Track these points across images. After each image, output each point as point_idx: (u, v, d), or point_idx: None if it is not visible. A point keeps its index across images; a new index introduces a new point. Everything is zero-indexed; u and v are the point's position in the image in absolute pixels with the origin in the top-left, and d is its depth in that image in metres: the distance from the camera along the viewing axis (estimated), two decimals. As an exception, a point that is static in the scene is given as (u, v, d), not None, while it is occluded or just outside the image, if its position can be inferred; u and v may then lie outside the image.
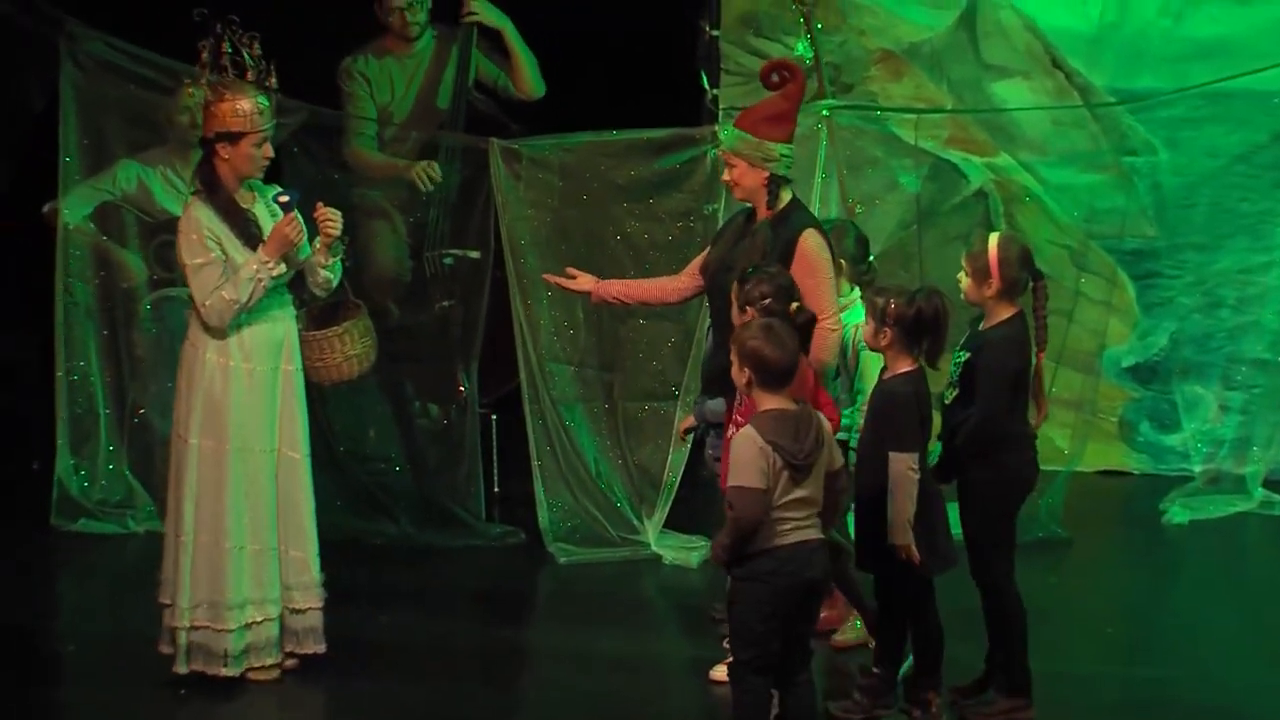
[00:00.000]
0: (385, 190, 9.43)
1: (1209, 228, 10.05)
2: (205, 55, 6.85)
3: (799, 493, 5.97)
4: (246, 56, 6.86)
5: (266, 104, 6.88)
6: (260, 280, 6.87)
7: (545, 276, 7.68)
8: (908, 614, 6.72)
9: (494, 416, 9.53)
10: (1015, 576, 6.75)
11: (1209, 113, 9.89)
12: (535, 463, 8.75)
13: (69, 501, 9.03)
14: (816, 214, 8.76)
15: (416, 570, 8.52)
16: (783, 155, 6.95)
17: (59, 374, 9.07)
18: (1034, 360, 6.72)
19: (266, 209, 7.02)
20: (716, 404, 6.87)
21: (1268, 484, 9.59)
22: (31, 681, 7.29)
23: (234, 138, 6.86)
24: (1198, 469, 9.80)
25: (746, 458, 5.93)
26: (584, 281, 7.37)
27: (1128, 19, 10.05)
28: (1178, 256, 10.09)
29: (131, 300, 9.18)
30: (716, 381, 6.94)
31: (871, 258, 7.70)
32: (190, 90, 9.01)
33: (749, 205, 7.06)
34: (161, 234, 9.22)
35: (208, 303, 6.87)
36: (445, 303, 9.23)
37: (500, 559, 8.77)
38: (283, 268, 6.93)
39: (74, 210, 9.07)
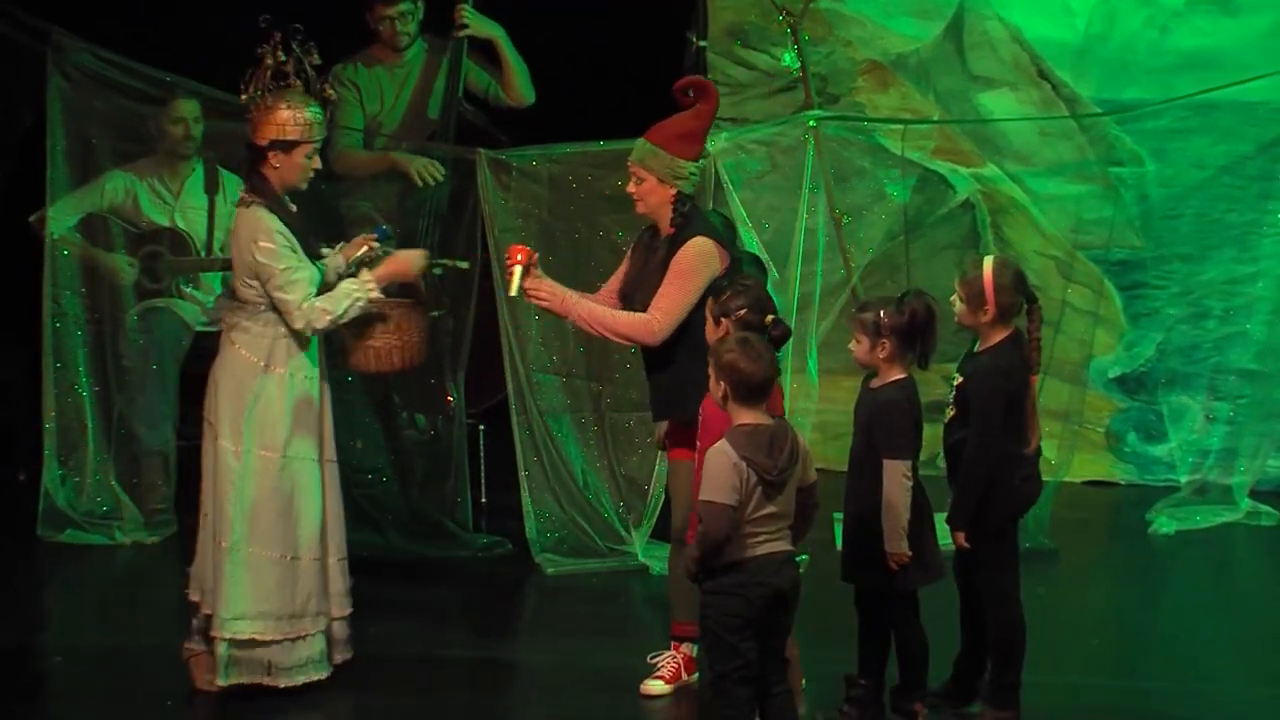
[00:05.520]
0: (374, 201, 9.43)
1: (1195, 239, 10.07)
2: (268, 61, 6.81)
3: (771, 508, 5.97)
4: (307, 66, 6.85)
5: (321, 116, 6.87)
6: (358, 300, 6.87)
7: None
8: (892, 625, 6.72)
9: (481, 427, 9.54)
10: (1020, 592, 6.76)
11: (1195, 124, 9.91)
12: (522, 473, 8.75)
13: (55, 512, 9.02)
14: (803, 225, 8.82)
15: (403, 581, 8.52)
16: (691, 174, 6.96)
17: (46, 384, 9.06)
18: (1028, 383, 6.71)
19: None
20: None
21: (1254, 495, 9.60)
22: (18, 694, 7.27)
23: (288, 146, 6.82)
24: (1184, 480, 9.81)
25: (719, 473, 5.92)
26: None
27: (1114, 30, 10.07)
28: (1164, 267, 10.11)
29: (119, 311, 9.18)
30: (660, 408, 7.02)
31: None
32: (181, 101, 9.09)
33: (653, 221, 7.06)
34: (148, 244, 9.24)
35: (304, 305, 6.81)
36: (433, 313, 9.23)
37: (487, 570, 8.77)
38: (379, 294, 6.93)
39: (60, 220, 9.08)
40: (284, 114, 6.81)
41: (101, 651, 7.66)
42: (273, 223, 6.82)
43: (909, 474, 6.54)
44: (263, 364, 6.88)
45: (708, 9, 10.09)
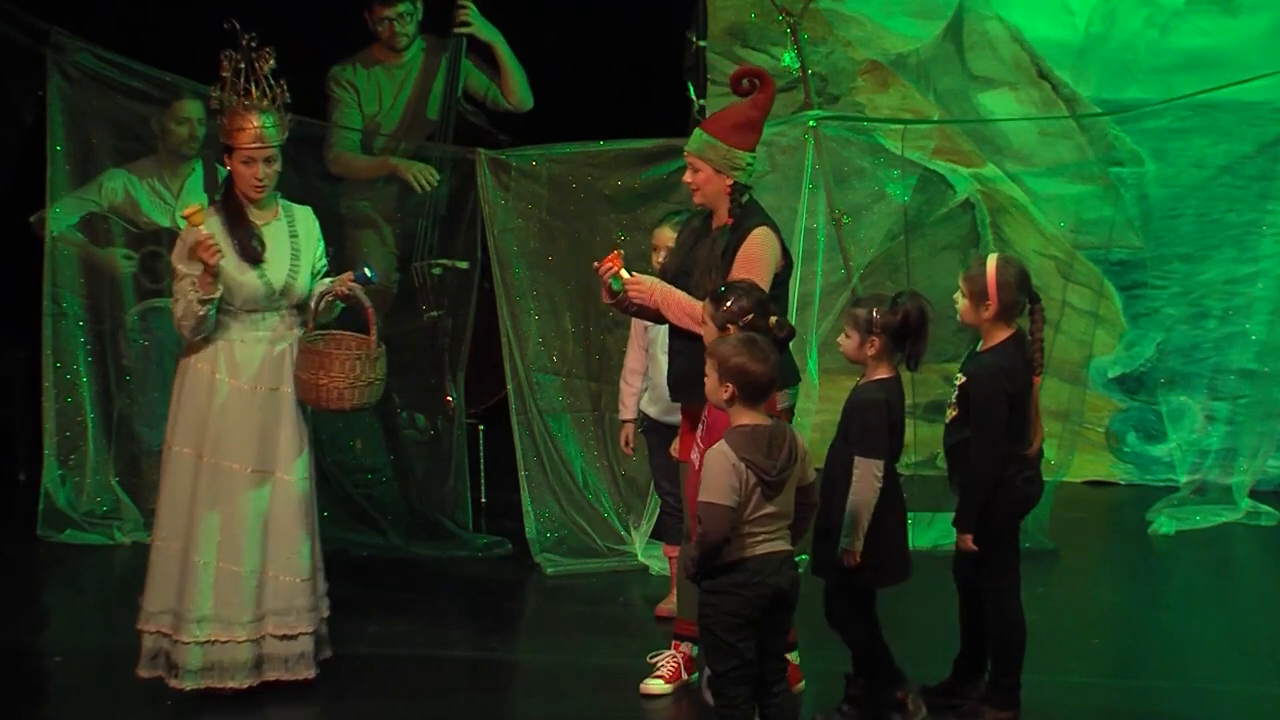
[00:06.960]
0: (373, 201, 9.44)
1: (1195, 239, 10.08)
2: (227, 67, 6.79)
3: (770, 508, 5.97)
4: (242, 74, 6.81)
5: (266, 123, 6.78)
6: (185, 299, 6.74)
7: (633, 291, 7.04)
8: (846, 621, 6.65)
9: (481, 427, 9.54)
10: (1020, 592, 6.76)
11: (1195, 124, 9.92)
12: (522, 473, 8.75)
13: (56, 512, 9.03)
14: (803, 225, 8.81)
15: (403, 582, 8.52)
16: (748, 164, 6.94)
17: (46, 384, 9.06)
18: (1031, 383, 6.70)
19: (286, 229, 6.96)
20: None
21: (1254, 494, 9.60)
22: (18, 694, 7.27)
23: (229, 151, 6.84)
24: (1184, 479, 9.82)
25: (718, 473, 5.92)
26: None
27: (1114, 30, 10.08)
28: (1164, 267, 10.11)
29: (119, 311, 9.18)
30: (682, 388, 6.95)
31: None
32: (187, 102, 9.08)
33: (703, 210, 7.03)
34: (149, 244, 9.24)
35: (177, 313, 6.83)
36: (433, 313, 9.24)
37: (488, 570, 8.77)
38: (214, 293, 6.74)
39: (59, 220, 9.08)
40: (224, 120, 6.82)
41: (101, 651, 7.66)
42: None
43: (879, 474, 6.51)
44: (197, 363, 6.89)
45: (708, 9, 10.09)
